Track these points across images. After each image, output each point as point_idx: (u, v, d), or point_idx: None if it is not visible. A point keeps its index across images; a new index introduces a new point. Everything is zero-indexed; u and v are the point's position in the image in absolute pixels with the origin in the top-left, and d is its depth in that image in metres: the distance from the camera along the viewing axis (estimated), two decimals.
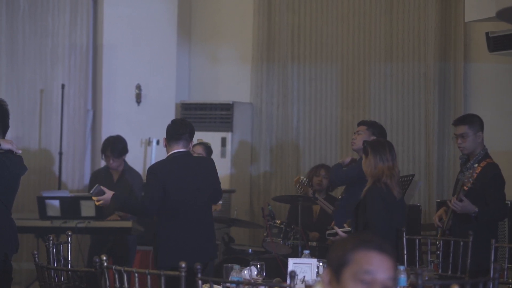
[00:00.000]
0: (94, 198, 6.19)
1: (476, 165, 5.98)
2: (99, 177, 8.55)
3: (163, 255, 6.00)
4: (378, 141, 6.13)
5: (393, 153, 5.90)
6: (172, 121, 6.25)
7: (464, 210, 5.92)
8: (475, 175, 5.85)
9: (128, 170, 8.47)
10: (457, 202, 5.89)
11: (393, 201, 5.85)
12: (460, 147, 6.23)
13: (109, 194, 6.09)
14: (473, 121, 6.24)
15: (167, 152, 6.16)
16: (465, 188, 5.89)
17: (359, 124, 6.95)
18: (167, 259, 5.89)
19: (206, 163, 6.31)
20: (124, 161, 8.46)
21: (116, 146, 8.27)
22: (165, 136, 6.17)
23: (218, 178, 6.31)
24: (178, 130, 6.10)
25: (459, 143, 6.23)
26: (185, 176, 6.05)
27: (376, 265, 2.78)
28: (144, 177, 8.86)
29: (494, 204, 6.02)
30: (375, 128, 6.82)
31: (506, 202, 7.31)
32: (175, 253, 5.88)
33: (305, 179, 7.53)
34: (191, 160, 6.18)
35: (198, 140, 7.51)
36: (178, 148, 6.09)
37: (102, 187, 6.16)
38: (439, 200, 7.62)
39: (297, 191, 7.53)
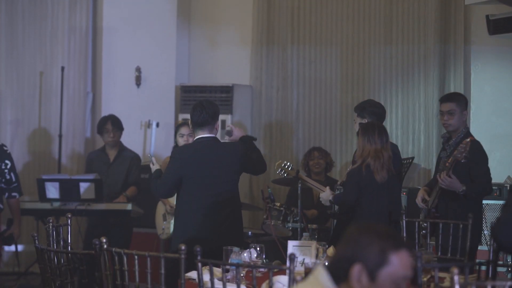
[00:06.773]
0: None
1: (468, 139, 5.98)
2: (96, 158, 8.55)
3: (175, 237, 6.03)
4: (369, 123, 6.18)
5: (382, 136, 5.90)
6: (193, 107, 6.06)
7: (451, 186, 5.94)
8: (468, 149, 5.86)
9: (124, 150, 8.48)
10: (446, 177, 5.91)
11: (372, 184, 5.87)
12: (446, 124, 6.31)
13: (238, 134, 6.29)
14: (460, 99, 6.36)
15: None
16: (447, 164, 5.91)
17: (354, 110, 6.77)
18: (177, 242, 5.76)
19: (232, 148, 6.16)
20: (120, 141, 8.47)
21: (115, 118, 8.37)
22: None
23: (246, 161, 6.17)
24: (199, 116, 5.98)
25: (445, 119, 6.30)
26: (205, 162, 5.97)
27: (409, 267, 2.82)
28: (142, 159, 8.87)
29: (480, 179, 6.09)
30: (363, 110, 6.56)
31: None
32: (186, 238, 5.79)
33: (287, 163, 7.38)
34: (217, 146, 6.07)
35: (182, 120, 7.47)
36: (204, 134, 6.03)
37: None
38: None
39: (281, 176, 7.41)
